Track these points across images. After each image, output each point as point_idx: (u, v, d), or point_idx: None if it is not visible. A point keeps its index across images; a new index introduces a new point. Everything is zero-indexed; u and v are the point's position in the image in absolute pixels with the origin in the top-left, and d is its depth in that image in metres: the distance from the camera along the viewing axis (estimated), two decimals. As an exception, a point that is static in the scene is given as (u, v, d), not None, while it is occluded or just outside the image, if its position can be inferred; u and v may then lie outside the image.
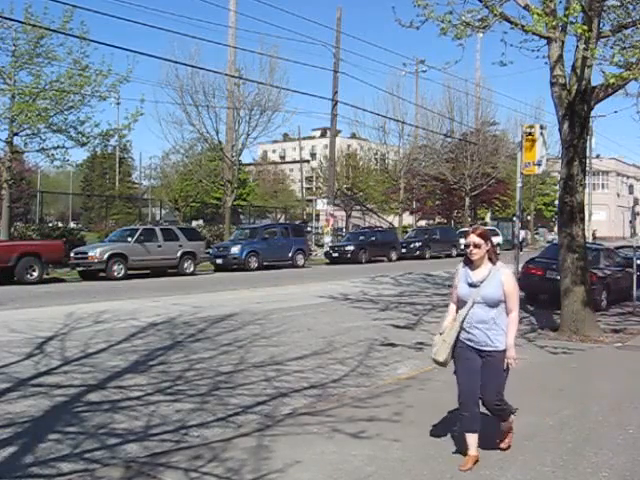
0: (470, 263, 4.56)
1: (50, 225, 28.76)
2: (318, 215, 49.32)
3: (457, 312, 4.61)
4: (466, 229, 40.64)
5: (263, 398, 6.45)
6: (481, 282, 4.45)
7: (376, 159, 53.45)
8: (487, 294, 4.42)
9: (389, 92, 39.73)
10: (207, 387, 6.85)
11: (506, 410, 4.66)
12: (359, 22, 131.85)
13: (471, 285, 4.49)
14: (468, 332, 4.48)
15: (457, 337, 4.51)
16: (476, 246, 4.46)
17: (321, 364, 8.07)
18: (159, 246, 21.95)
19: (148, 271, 21.97)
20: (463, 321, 4.49)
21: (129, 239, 21.58)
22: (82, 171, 63.81)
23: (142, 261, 21.41)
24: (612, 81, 8.98)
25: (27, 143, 21.53)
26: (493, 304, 4.42)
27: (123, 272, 20.48)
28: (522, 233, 40.65)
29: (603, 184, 74.72)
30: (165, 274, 22.09)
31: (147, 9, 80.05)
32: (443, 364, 4.58)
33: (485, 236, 4.47)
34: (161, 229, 22.81)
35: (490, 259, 4.51)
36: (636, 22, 9.75)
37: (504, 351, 4.44)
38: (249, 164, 64.48)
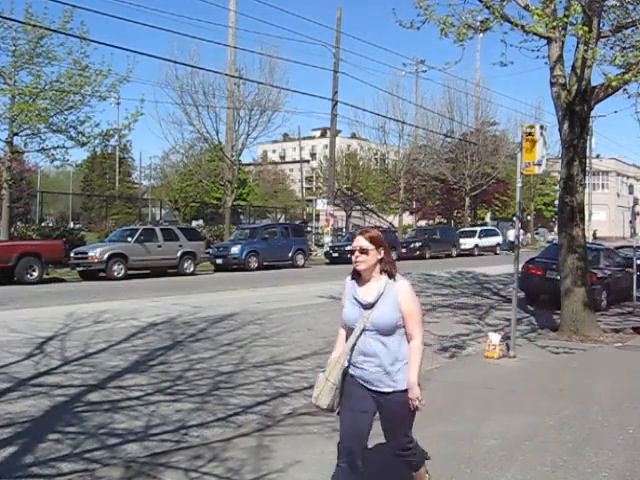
0: (358, 276, 3.57)
1: (50, 225, 28.76)
2: (318, 215, 49.33)
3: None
4: (466, 229, 41.15)
5: (263, 398, 6.45)
6: (372, 303, 3.47)
7: (376, 159, 53.48)
8: (378, 319, 3.44)
9: (389, 92, 39.75)
10: (207, 387, 6.85)
11: (416, 457, 3.83)
12: (359, 22, 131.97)
13: (360, 305, 3.51)
14: (359, 367, 3.52)
15: (345, 374, 3.57)
16: (363, 251, 3.47)
17: (321, 364, 8.02)
18: (159, 246, 21.95)
19: (148, 271, 21.98)
20: (351, 353, 3.53)
21: (129, 239, 21.58)
22: (82, 171, 63.74)
23: (142, 261, 21.41)
24: (614, 84, 8.99)
25: (27, 143, 21.59)
26: (387, 331, 3.45)
27: (123, 272, 20.49)
28: (513, 233, 40.64)
29: (603, 184, 74.76)
30: (165, 274, 22.10)
31: (147, 9, 79.99)
32: (328, 410, 3.60)
33: (377, 241, 3.50)
34: (161, 229, 22.81)
35: (385, 271, 3.52)
36: (636, 22, 9.75)
37: (407, 391, 3.47)
38: (249, 164, 64.46)
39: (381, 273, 3.52)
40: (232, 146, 30.74)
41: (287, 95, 33.94)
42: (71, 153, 71.72)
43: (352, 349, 3.51)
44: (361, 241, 3.49)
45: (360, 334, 3.47)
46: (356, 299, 3.52)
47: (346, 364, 3.54)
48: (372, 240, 3.49)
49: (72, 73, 20.31)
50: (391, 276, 3.51)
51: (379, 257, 3.50)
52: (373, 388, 3.49)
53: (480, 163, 42.97)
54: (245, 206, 47.97)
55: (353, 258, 3.51)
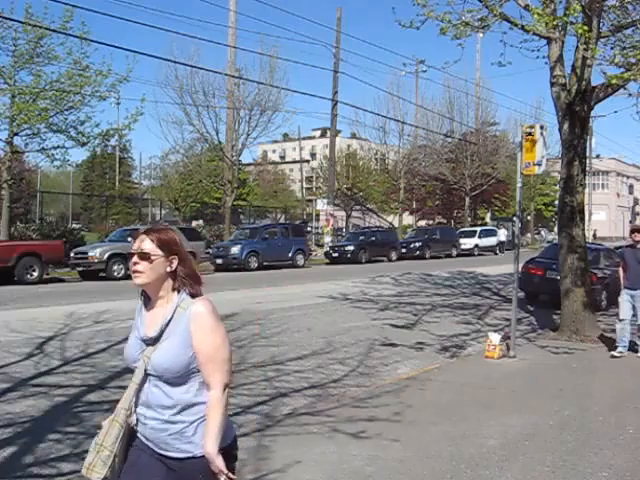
0: (148, 295, 2.58)
1: (48, 223, 28.76)
2: (318, 215, 49.32)
3: None
4: (466, 229, 41.20)
5: (263, 398, 6.45)
6: (153, 337, 2.45)
7: (376, 159, 53.46)
8: (159, 359, 2.40)
9: (389, 92, 39.78)
10: (207, 387, 6.84)
11: None
12: (359, 22, 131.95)
13: (143, 339, 2.49)
14: (143, 423, 2.47)
15: (126, 433, 2.48)
16: (144, 257, 2.46)
17: (321, 364, 8.07)
18: (159, 246, 21.93)
19: (148, 271, 21.96)
20: (135, 404, 2.49)
21: (129, 239, 21.56)
22: (82, 171, 63.74)
23: (142, 261, 21.40)
24: (614, 82, 8.99)
25: (27, 143, 21.59)
26: (175, 378, 2.40)
27: (123, 272, 20.49)
28: (504, 233, 40.54)
29: (603, 184, 74.77)
30: (165, 274, 22.07)
31: (147, 9, 79.86)
32: None
33: (169, 244, 2.48)
34: (161, 229, 22.80)
35: (180, 289, 2.49)
36: (636, 22, 9.76)
37: (204, 458, 2.39)
38: (249, 164, 64.44)
39: (175, 291, 2.49)
40: (232, 146, 30.73)
41: (287, 95, 33.89)
42: (71, 153, 71.75)
43: (134, 397, 2.47)
44: (144, 242, 2.47)
45: (144, 379, 2.45)
46: (139, 329, 2.54)
47: (134, 420, 2.49)
48: (161, 243, 2.46)
49: (72, 73, 20.30)
50: (192, 296, 2.47)
51: (170, 269, 2.47)
52: (162, 452, 2.46)
53: (480, 163, 42.99)
54: (245, 206, 48.01)
55: (130, 266, 2.49)
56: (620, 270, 9.05)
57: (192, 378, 2.43)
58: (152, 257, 2.44)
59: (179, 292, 2.48)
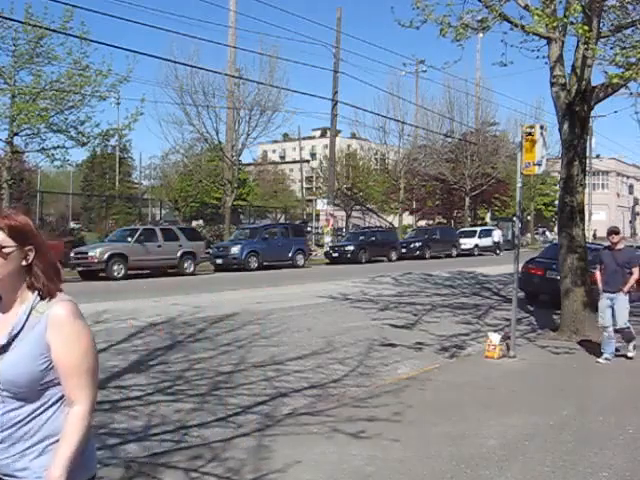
0: None
1: (51, 223, 28.76)
2: (318, 215, 49.32)
3: None
4: (466, 229, 41.17)
5: (263, 398, 6.45)
6: (2, 345, 1.98)
7: (376, 159, 53.47)
8: (7, 371, 1.95)
9: (389, 92, 39.80)
10: (207, 387, 6.86)
11: None
12: (359, 22, 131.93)
13: None
14: None
15: None
16: None
17: (321, 364, 8.07)
18: (159, 246, 21.95)
19: (148, 271, 21.98)
20: None
21: (129, 239, 21.58)
22: (82, 171, 63.68)
23: (142, 261, 21.41)
24: (615, 81, 8.99)
25: (27, 143, 21.58)
26: (26, 393, 1.97)
27: (123, 272, 20.48)
28: (498, 233, 40.44)
29: (603, 184, 74.80)
30: (165, 274, 22.10)
31: (147, 9, 79.75)
32: None
33: (23, 233, 2.00)
34: (161, 229, 22.82)
35: (36, 287, 2.02)
36: (636, 22, 9.76)
37: None
38: (249, 164, 64.39)
39: (30, 289, 2.03)
40: (232, 146, 30.75)
41: (287, 95, 33.85)
42: (71, 153, 71.67)
43: None
44: None
45: None
46: None
47: None
48: (13, 232, 1.98)
49: (72, 73, 20.29)
50: (45, 295, 2.01)
51: (25, 262, 2.01)
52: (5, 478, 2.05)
53: (480, 163, 43.04)
54: (245, 206, 47.95)
55: None
56: (597, 273, 8.67)
57: (47, 393, 2.01)
58: (5, 250, 1.95)
59: (35, 290, 2.02)
